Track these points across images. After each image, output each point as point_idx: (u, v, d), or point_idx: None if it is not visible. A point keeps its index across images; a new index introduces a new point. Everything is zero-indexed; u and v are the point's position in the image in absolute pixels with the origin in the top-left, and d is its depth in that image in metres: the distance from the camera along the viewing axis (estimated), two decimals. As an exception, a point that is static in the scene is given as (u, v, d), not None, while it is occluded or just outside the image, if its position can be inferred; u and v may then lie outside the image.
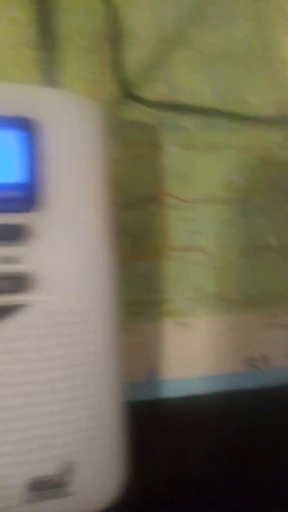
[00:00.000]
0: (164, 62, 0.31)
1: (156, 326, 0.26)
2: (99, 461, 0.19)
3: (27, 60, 0.29)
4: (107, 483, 0.20)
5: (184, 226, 0.28)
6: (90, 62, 0.30)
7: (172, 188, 0.29)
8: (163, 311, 0.26)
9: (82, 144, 0.21)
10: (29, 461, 0.18)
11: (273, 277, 0.28)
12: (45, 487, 0.18)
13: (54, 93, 0.22)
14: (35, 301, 0.19)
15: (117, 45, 0.30)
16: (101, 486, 0.19)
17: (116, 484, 0.20)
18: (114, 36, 0.30)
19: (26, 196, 0.19)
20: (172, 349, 0.26)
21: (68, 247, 0.20)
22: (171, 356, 0.26)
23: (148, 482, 0.24)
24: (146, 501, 0.24)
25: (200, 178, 0.29)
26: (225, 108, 0.31)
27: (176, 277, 0.27)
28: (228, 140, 0.30)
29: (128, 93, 0.30)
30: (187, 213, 0.29)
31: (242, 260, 0.28)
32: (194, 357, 0.26)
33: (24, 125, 0.19)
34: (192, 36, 0.33)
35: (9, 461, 0.18)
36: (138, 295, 0.26)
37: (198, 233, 0.28)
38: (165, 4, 0.33)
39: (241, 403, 0.26)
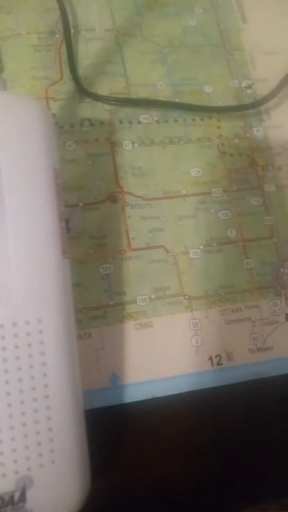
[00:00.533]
0: (119, 56, 0.30)
1: (118, 329, 0.26)
2: (58, 474, 0.19)
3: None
4: (68, 495, 0.19)
5: (144, 224, 0.28)
6: (43, 59, 0.29)
7: (131, 186, 0.28)
8: (125, 313, 0.26)
9: (27, 146, 0.20)
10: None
11: (234, 271, 0.28)
12: (3, 504, 0.18)
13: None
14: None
15: (71, 41, 0.29)
16: (61, 499, 0.19)
17: (77, 495, 0.19)
18: (67, 32, 0.29)
19: None
20: (135, 351, 0.25)
21: (17, 253, 0.19)
22: (135, 359, 0.25)
23: (115, 487, 0.24)
24: (113, 505, 0.24)
25: (159, 173, 0.29)
26: (183, 100, 0.30)
27: (138, 277, 0.27)
28: (186, 133, 0.30)
29: (82, 89, 0.29)
30: (147, 211, 0.28)
31: (204, 255, 0.28)
32: (158, 358, 0.26)
33: None
34: (147, 28, 0.32)
35: None
36: (99, 298, 0.26)
37: (159, 231, 0.28)
38: (118, -5, 0.32)
39: (207, 401, 0.26)
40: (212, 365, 0.26)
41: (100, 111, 0.29)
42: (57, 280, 0.19)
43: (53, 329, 0.19)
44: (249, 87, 0.32)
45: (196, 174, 0.29)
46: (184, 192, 0.29)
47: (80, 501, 0.20)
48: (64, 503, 0.19)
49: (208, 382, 0.26)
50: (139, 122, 0.29)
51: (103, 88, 0.29)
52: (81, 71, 0.29)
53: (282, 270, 0.29)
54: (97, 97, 0.29)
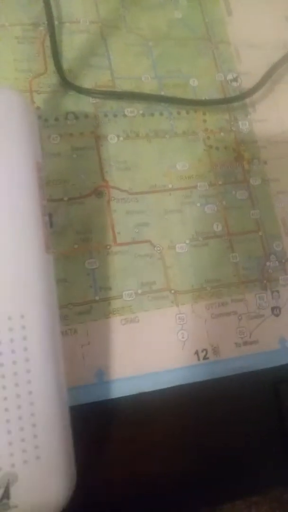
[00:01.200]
0: (103, 48, 0.30)
1: (104, 324, 0.25)
2: (42, 471, 0.19)
3: None
4: (53, 491, 0.19)
5: (130, 218, 0.27)
6: (27, 52, 0.29)
7: (116, 180, 0.28)
8: (111, 308, 0.26)
9: (8, 139, 0.19)
10: None
11: (220, 266, 0.28)
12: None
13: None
14: None
15: (55, 33, 0.29)
16: (46, 495, 0.19)
17: (62, 492, 0.19)
18: (51, 24, 0.29)
19: None
20: (122, 347, 0.25)
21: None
22: (121, 355, 0.25)
23: (101, 483, 0.24)
24: (98, 500, 0.24)
25: (145, 167, 0.29)
26: (168, 93, 0.30)
27: (124, 272, 0.26)
28: (172, 127, 0.30)
29: (67, 82, 0.28)
30: (132, 205, 0.28)
31: (190, 250, 0.28)
32: (145, 353, 0.25)
33: None
34: (132, 20, 0.31)
35: None
36: (85, 294, 0.26)
37: (145, 225, 0.28)
38: (102, -14, 0.31)
39: (194, 396, 0.26)
40: (199, 359, 0.26)
41: (85, 104, 0.29)
42: (40, 275, 0.19)
43: (36, 324, 0.19)
44: (234, 80, 0.32)
45: (182, 168, 0.29)
46: (170, 186, 0.29)
47: (65, 497, 0.20)
48: (49, 500, 0.19)
49: (194, 377, 0.26)
50: (124, 115, 0.29)
51: (88, 81, 0.29)
52: (65, 64, 0.29)
53: (268, 263, 0.29)
54: (81, 90, 0.28)
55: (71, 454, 0.20)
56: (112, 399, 0.25)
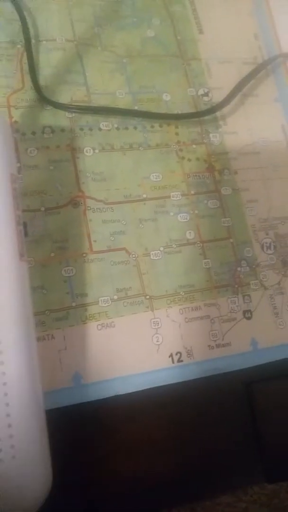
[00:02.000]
0: (79, 65, 0.31)
1: (81, 330, 0.26)
2: (18, 470, 0.19)
3: None
4: (29, 491, 0.20)
5: (106, 227, 0.29)
6: (5, 69, 0.30)
7: (92, 191, 0.29)
8: (87, 314, 0.27)
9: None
10: None
11: (193, 271, 0.29)
12: None
13: None
14: None
15: (31, 51, 0.30)
16: (22, 494, 0.19)
17: (39, 491, 0.20)
18: (28, 42, 0.30)
19: None
20: (98, 351, 0.26)
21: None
22: (97, 358, 0.26)
23: (79, 483, 0.25)
24: (75, 501, 0.24)
25: (120, 178, 0.30)
26: (142, 108, 0.32)
27: (100, 279, 0.27)
28: (146, 140, 0.31)
29: (43, 97, 0.29)
30: (108, 215, 0.29)
31: (164, 256, 0.29)
32: (120, 357, 0.26)
33: None
34: (106, 38, 0.33)
35: None
36: (62, 300, 0.26)
37: (120, 234, 0.29)
38: (78, 8, 0.33)
39: (168, 397, 0.26)
40: (173, 362, 0.27)
41: (61, 118, 0.30)
42: (13, 283, 0.20)
43: (11, 329, 0.20)
44: (206, 94, 0.33)
45: (156, 178, 0.30)
46: (144, 196, 0.30)
47: (41, 497, 0.20)
48: (24, 499, 0.19)
49: (169, 379, 0.27)
50: (100, 129, 0.30)
51: (64, 96, 0.30)
52: (42, 80, 0.30)
53: (239, 269, 0.30)
54: (58, 105, 0.30)
55: (47, 455, 0.21)
56: (89, 402, 0.26)
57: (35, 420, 0.20)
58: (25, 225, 0.26)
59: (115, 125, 0.31)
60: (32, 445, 0.20)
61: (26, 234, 0.26)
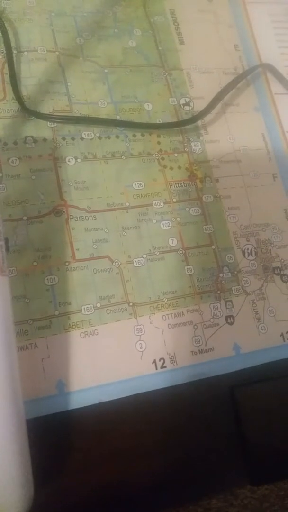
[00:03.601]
0: (61, 76, 0.32)
1: (64, 338, 0.26)
2: None
3: None
4: (10, 502, 0.20)
5: (88, 235, 0.29)
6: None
7: (75, 199, 0.29)
8: (70, 322, 0.27)
9: None
10: None
11: (176, 278, 0.29)
12: None
13: None
14: None
15: (13, 62, 0.30)
16: (4, 506, 0.19)
17: (21, 503, 0.20)
18: (9, 53, 0.30)
19: None
20: (81, 359, 0.26)
21: None
22: (81, 366, 0.26)
23: (64, 491, 0.25)
24: (61, 510, 0.24)
25: (102, 187, 0.30)
26: (124, 117, 0.32)
27: (83, 287, 0.28)
28: (128, 148, 0.31)
29: (25, 108, 0.30)
30: (91, 223, 0.29)
31: (147, 263, 0.29)
32: (104, 364, 0.26)
33: None
34: (88, 49, 0.33)
35: None
36: (44, 309, 0.27)
37: (103, 242, 0.29)
38: (59, 19, 0.33)
39: (152, 403, 0.27)
40: (156, 368, 0.27)
41: (43, 128, 0.30)
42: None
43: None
44: (187, 104, 0.34)
45: (138, 187, 0.31)
46: (127, 204, 0.30)
47: (24, 508, 0.20)
48: (6, 510, 0.19)
49: (152, 385, 0.27)
50: (82, 138, 0.31)
51: (46, 106, 0.31)
52: (24, 91, 0.31)
53: (221, 275, 0.30)
54: (39, 115, 0.30)
55: (28, 466, 0.21)
56: (73, 410, 0.26)
57: (15, 431, 0.20)
58: (6, 240, 0.27)
59: (97, 134, 0.31)
60: (12, 458, 0.20)
61: (7, 249, 0.26)
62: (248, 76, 0.36)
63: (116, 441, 0.26)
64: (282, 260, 0.32)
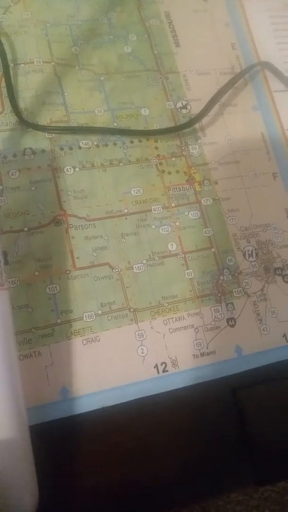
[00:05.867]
0: (57, 86, 0.32)
1: (66, 345, 0.27)
2: (3, 488, 0.20)
3: None
4: (16, 507, 0.20)
5: (88, 243, 0.29)
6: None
7: (74, 208, 0.30)
8: (72, 330, 0.27)
9: None
10: None
11: (176, 282, 0.30)
12: None
13: None
14: None
15: (10, 75, 0.31)
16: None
17: (26, 508, 0.21)
18: (6, 66, 0.31)
19: None
20: (84, 365, 0.27)
21: None
22: (84, 372, 0.27)
23: (70, 495, 0.25)
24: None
25: (101, 195, 0.30)
26: (121, 123, 0.32)
27: (84, 295, 0.28)
28: (126, 155, 0.32)
29: (23, 120, 0.30)
30: (90, 231, 0.30)
31: (147, 269, 0.30)
32: (106, 370, 0.27)
33: None
34: (84, 57, 0.34)
35: None
36: (47, 318, 0.27)
37: (103, 249, 0.29)
38: (55, 29, 0.33)
39: (154, 407, 0.27)
40: (158, 372, 0.28)
41: (41, 139, 0.31)
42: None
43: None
44: (184, 107, 0.34)
45: (137, 193, 0.31)
46: (125, 211, 0.31)
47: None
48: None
49: (154, 389, 0.28)
50: (79, 147, 0.31)
51: (44, 117, 0.31)
52: (21, 103, 0.31)
53: (221, 278, 0.31)
54: (37, 127, 0.30)
55: (32, 472, 0.22)
56: (77, 415, 0.26)
57: (18, 438, 0.21)
58: (5, 254, 0.27)
59: (95, 143, 0.31)
60: (17, 465, 0.20)
61: (6, 262, 0.27)
62: (246, 75, 0.36)
63: (120, 445, 0.27)
64: (284, 261, 0.32)
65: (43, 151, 0.30)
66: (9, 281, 0.27)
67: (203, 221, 0.32)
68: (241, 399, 0.29)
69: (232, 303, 0.30)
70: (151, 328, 0.29)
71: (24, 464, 0.21)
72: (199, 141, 0.33)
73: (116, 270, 0.29)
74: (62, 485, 0.26)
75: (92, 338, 0.28)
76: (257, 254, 0.32)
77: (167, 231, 0.31)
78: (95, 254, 0.29)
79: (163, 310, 0.29)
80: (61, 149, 0.31)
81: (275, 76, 0.37)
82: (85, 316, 0.28)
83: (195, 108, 0.34)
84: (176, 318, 0.29)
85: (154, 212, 0.31)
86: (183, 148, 0.33)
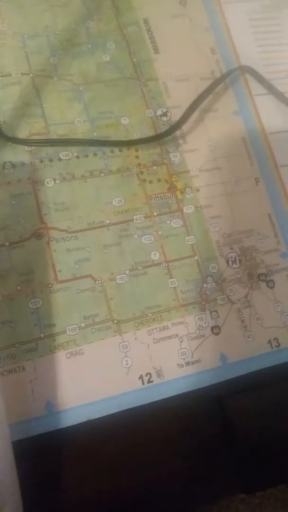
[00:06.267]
0: (36, 98, 0.32)
1: (50, 359, 0.27)
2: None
3: None
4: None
5: (70, 256, 0.29)
6: None
7: (55, 221, 0.30)
8: (56, 344, 0.28)
9: None
10: None
11: (160, 292, 0.30)
12: None
13: None
14: None
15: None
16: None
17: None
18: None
19: None
20: (68, 379, 0.27)
21: None
22: (68, 386, 0.27)
23: (56, 508, 0.26)
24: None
25: (82, 206, 0.30)
26: (101, 133, 0.32)
27: (67, 308, 0.28)
28: (106, 165, 0.32)
29: (2, 134, 0.30)
30: (72, 243, 0.30)
31: (130, 279, 0.30)
32: (91, 382, 0.27)
33: None
34: (62, 68, 0.33)
35: None
36: (30, 332, 0.27)
37: (85, 261, 0.29)
38: (32, 40, 0.33)
39: (139, 419, 0.27)
40: (143, 383, 0.28)
41: (21, 152, 0.31)
42: None
43: None
44: (164, 114, 0.34)
45: (118, 203, 0.31)
46: (107, 221, 0.31)
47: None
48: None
49: (139, 400, 0.28)
50: (60, 159, 0.31)
51: (23, 130, 0.31)
52: (0, 116, 0.31)
53: (205, 285, 0.31)
54: (16, 141, 0.30)
55: (15, 487, 0.22)
56: (63, 428, 0.26)
57: (2, 455, 0.21)
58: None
59: (75, 154, 0.31)
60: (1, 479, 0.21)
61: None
62: (226, 80, 0.36)
63: (106, 457, 0.27)
64: (267, 266, 0.32)
65: (23, 164, 0.30)
66: (-10, 297, 0.27)
67: (185, 229, 0.32)
68: (226, 407, 0.29)
69: (216, 311, 0.30)
70: (135, 339, 0.29)
71: (7, 478, 0.21)
72: (180, 148, 0.33)
73: (99, 281, 0.29)
74: (48, 499, 0.26)
75: (76, 351, 0.28)
76: (240, 261, 0.32)
77: (150, 240, 0.31)
78: (77, 267, 0.29)
79: (147, 320, 0.29)
80: (41, 161, 0.31)
81: (256, 80, 0.37)
82: (69, 329, 0.28)
83: (176, 115, 0.34)
84: (160, 328, 0.29)
85: (136, 221, 0.31)
86: (164, 156, 0.33)
